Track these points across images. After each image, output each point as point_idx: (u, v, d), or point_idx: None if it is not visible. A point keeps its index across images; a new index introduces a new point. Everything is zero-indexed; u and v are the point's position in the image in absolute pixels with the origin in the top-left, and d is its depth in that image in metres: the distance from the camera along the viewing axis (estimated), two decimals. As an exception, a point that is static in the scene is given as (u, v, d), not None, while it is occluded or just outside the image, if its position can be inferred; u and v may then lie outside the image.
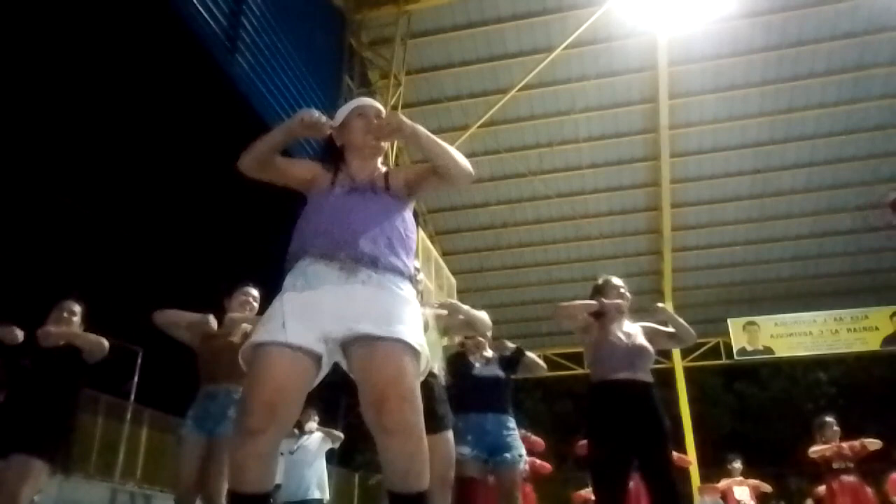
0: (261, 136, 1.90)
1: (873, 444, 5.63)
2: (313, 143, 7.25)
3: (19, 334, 3.34)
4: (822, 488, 6.39)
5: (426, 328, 3.09)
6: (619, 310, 3.30)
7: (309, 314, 1.65)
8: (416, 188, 1.96)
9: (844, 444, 5.70)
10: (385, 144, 2.00)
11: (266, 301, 3.57)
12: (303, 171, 1.97)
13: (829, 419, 5.85)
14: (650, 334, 3.30)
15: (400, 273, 1.77)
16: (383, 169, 1.98)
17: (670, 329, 3.32)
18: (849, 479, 5.57)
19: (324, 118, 1.88)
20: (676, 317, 3.31)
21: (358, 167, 1.94)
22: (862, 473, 5.75)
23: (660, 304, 3.40)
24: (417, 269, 3.31)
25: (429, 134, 1.86)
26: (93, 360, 3.45)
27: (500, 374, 3.81)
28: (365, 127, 1.94)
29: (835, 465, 5.64)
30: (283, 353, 1.62)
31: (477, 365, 3.78)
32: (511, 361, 3.89)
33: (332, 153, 2.00)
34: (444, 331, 3.35)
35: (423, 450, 1.56)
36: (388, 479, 1.58)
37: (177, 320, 3.45)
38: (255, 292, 3.65)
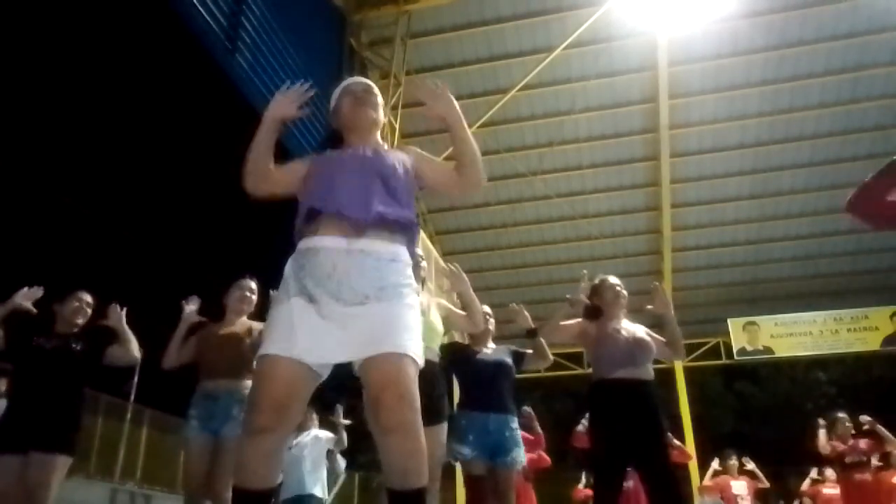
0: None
1: (889, 441, 5.54)
2: (312, 141, 7.27)
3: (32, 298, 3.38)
4: (805, 484, 6.38)
5: (426, 311, 3.10)
6: (617, 299, 3.31)
7: (315, 340, 1.63)
8: (423, 176, 1.99)
9: (861, 442, 5.62)
10: (380, 116, 2.02)
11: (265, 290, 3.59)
12: (299, 167, 1.97)
13: (841, 415, 5.78)
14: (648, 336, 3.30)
15: (401, 227, 1.80)
16: (385, 146, 2.02)
17: (663, 338, 3.32)
18: (862, 476, 5.47)
19: (295, 86, 1.93)
20: (673, 316, 3.31)
21: (357, 143, 1.97)
22: (876, 469, 5.68)
23: (657, 287, 3.38)
24: (421, 257, 3.33)
25: (467, 129, 1.91)
26: (113, 362, 3.45)
27: (506, 359, 3.79)
28: (352, 102, 1.99)
29: (848, 460, 5.53)
30: (290, 358, 1.64)
31: (481, 351, 3.77)
32: (517, 355, 3.89)
33: (332, 139, 2.04)
34: (445, 321, 3.35)
35: (421, 448, 1.57)
36: (387, 477, 1.59)
37: (176, 347, 3.48)
38: (252, 285, 3.65)
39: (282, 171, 1.96)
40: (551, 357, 3.93)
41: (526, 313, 3.82)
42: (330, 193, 1.79)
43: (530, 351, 3.91)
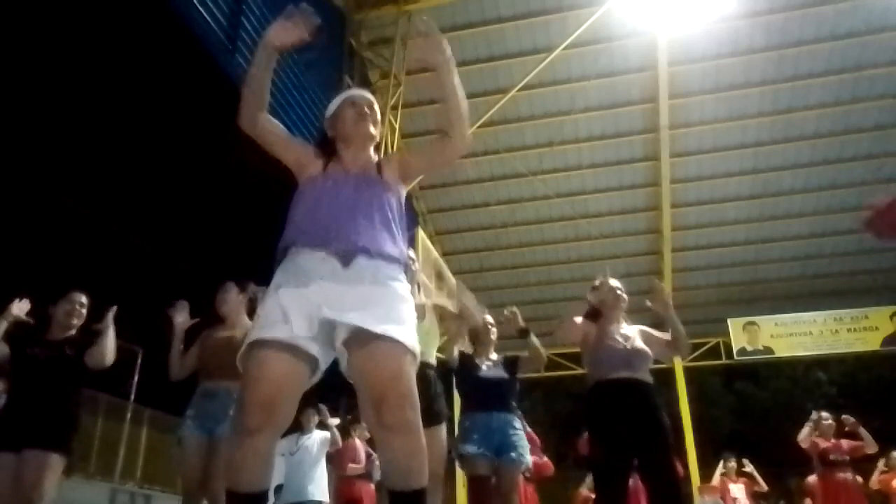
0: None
1: (868, 444, 5.66)
2: (312, 131, 7.27)
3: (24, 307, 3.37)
4: (811, 478, 6.44)
5: (422, 317, 3.10)
6: (616, 303, 3.30)
7: (305, 307, 1.63)
8: (410, 170, 1.99)
9: (843, 442, 5.75)
10: (376, 133, 1.99)
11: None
12: (297, 149, 1.95)
13: (823, 413, 5.97)
14: (647, 340, 3.27)
15: (392, 259, 1.77)
16: (375, 158, 1.99)
17: (667, 336, 3.29)
18: (843, 475, 5.63)
19: (300, 11, 1.86)
20: (674, 315, 3.27)
21: (350, 158, 1.94)
22: (857, 470, 5.81)
23: (657, 285, 3.36)
24: (413, 259, 3.33)
25: (456, 76, 1.89)
26: (91, 364, 3.43)
27: (505, 375, 3.81)
28: (355, 116, 1.95)
29: (831, 457, 5.69)
30: (279, 353, 1.61)
31: (483, 367, 3.79)
32: (512, 363, 3.90)
33: (324, 143, 2.01)
34: (441, 318, 3.36)
35: (422, 447, 1.57)
36: (389, 477, 1.59)
37: (177, 358, 3.48)
38: (230, 287, 3.64)
39: (284, 132, 1.94)
40: (545, 357, 3.90)
41: (518, 315, 3.80)
42: (315, 227, 1.76)
43: (525, 354, 3.90)
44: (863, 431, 5.69)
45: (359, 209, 1.79)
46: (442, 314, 3.37)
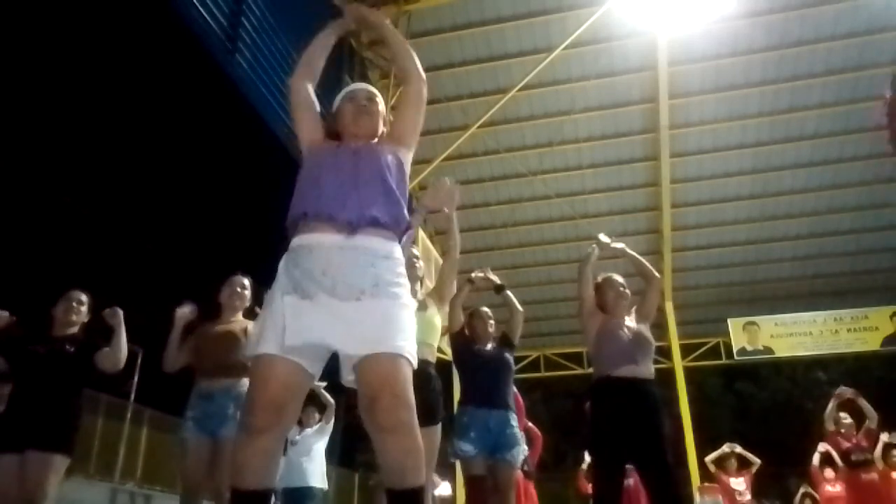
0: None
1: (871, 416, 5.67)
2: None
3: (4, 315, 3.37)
4: (815, 468, 6.41)
5: (424, 308, 3.11)
6: (619, 299, 3.35)
7: (308, 334, 1.63)
8: (401, 128, 2.06)
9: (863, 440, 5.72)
10: (378, 124, 2.03)
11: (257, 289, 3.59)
12: (316, 123, 2.02)
13: (841, 413, 5.89)
14: (639, 309, 3.38)
15: (391, 229, 1.79)
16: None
17: (645, 291, 3.41)
18: (869, 476, 5.54)
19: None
20: (629, 250, 3.50)
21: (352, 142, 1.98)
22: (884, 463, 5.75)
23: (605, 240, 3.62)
24: (417, 257, 3.33)
25: (397, 34, 2.11)
26: (101, 367, 3.43)
27: (504, 353, 3.82)
28: (354, 110, 1.99)
29: (853, 458, 5.62)
30: (284, 358, 1.64)
31: (482, 347, 3.81)
32: (505, 338, 3.93)
33: (330, 137, 2.04)
34: (439, 292, 3.38)
35: (418, 447, 1.57)
36: (386, 477, 1.59)
37: (174, 349, 3.47)
38: (244, 281, 3.64)
39: (309, 101, 2.03)
40: (521, 308, 3.98)
41: (488, 272, 3.95)
42: (320, 196, 1.78)
43: (511, 320, 3.96)
44: (863, 402, 5.65)
45: (360, 178, 1.81)
46: (438, 287, 3.40)
